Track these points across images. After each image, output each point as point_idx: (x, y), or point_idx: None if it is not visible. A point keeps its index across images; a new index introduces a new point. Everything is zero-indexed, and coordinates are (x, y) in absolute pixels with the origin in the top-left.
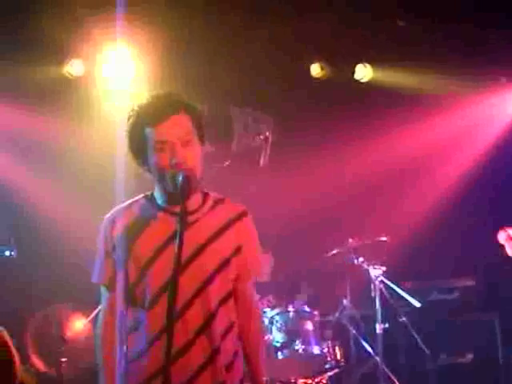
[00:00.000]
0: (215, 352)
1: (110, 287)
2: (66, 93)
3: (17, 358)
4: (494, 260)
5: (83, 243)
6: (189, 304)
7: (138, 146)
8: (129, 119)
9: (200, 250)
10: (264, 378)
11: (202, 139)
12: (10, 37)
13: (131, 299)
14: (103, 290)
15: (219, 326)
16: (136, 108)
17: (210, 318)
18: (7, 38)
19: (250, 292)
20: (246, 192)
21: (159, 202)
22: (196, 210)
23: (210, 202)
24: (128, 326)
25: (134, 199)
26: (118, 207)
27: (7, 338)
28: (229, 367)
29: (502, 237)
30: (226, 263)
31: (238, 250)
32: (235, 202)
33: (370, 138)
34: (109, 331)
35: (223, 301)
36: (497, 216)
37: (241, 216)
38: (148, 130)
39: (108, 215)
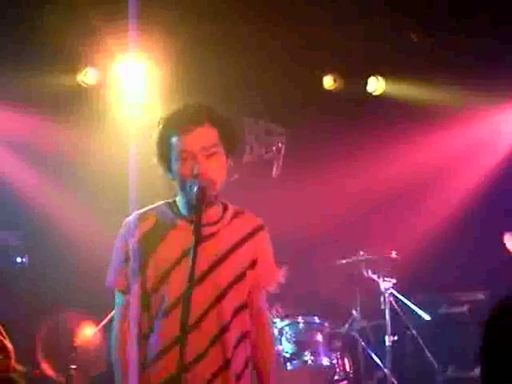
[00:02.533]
0: (227, 362)
1: (126, 293)
2: (80, 101)
3: (8, 345)
4: (504, 273)
5: (94, 251)
6: (204, 315)
7: (164, 153)
8: (158, 126)
9: (218, 262)
10: None
11: (229, 152)
12: (23, 46)
13: (146, 306)
14: (118, 295)
15: (232, 336)
16: (165, 116)
17: (223, 330)
18: (21, 47)
19: (263, 303)
20: (257, 204)
21: (181, 210)
22: (217, 222)
23: (229, 214)
24: (142, 333)
25: (154, 205)
26: (138, 212)
27: None
28: (239, 376)
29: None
30: (241, 276)
31: (253, 263)
32: (253, 215)
33: (382, 151)
34: (124, 337)
35: (237, 312)
36: (508, 229)
37: (258, 230)
38: (174, 139)
39: (128, 219)
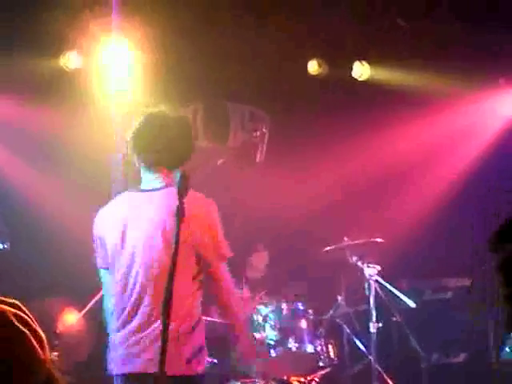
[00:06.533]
0: None
1: None
2: (63, 85)
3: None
4: (489, 259)
5: (77, 235)
6: None
7: None
8: None
9: None
10: None
11: None
12: (6, 28)
13: None
14: None
15: None
16: None
17: None
18: (3, 30)
19: None
20: (241, 189)
21: None
22: None
23: None
24: None
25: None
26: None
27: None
28: None
29: None
30: None
31: None
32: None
33: (367, 137)
34: None
35: None
36: (493, 216)
37: None
38: None
39: None
